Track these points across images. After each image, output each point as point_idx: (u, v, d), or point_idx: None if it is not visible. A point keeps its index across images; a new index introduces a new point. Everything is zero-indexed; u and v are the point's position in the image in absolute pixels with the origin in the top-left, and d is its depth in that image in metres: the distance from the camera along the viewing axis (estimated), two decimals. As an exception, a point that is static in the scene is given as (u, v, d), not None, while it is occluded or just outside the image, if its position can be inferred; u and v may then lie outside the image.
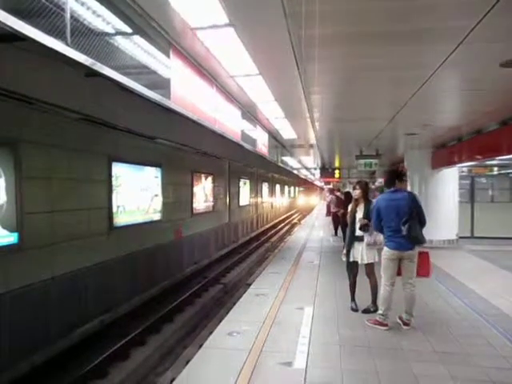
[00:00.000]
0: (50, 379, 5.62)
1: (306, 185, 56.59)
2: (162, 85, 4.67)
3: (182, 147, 11.35)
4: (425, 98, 6.27)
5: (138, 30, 3.93)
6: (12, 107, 5.83)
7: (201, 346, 4.76)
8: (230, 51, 4.41)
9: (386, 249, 5.06)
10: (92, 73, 4.61)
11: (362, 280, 5.75)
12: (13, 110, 5.89)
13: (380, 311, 5.10)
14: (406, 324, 5.08)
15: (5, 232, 5.77)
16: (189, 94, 4.78)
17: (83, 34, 3.47)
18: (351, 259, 5.69)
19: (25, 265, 6.13)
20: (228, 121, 6.64)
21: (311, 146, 12.87)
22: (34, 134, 6.35)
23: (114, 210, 8.55)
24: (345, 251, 5.77)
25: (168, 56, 4.12)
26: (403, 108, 6.96)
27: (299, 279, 7.82)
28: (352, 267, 5.75)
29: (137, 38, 4.06)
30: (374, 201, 5.57)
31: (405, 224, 4.85)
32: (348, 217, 5.86)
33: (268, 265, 9.36)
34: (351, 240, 5.66)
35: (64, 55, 3.20)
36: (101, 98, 6.79)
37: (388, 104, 7.01)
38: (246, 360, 4.12)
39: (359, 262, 5.63)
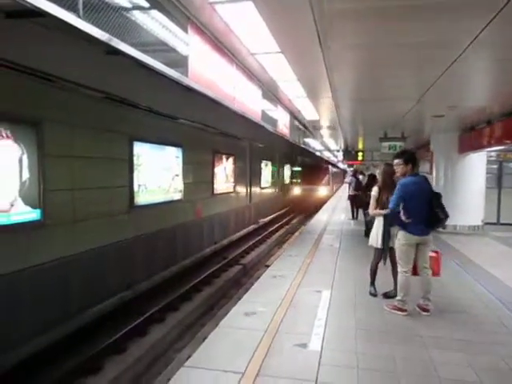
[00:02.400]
0: (65, 356, 5.76)
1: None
2: (181, 63, 4.60)
3: (203, 127, 11.32)
4: (454, 77, 6.00)
5: (155, 4, 3.85)
6: (35, 86, 5.87)
7: (217, 325, 4.79)
8: (249, 27, 4.28)
9: (405, 234, 4.88)
10: (112, 50, 4.58)
11: (381, 265, 5.64)
12: (36, 88, 5.93)
13: (399, 297, 5.01)
14: (425, 310, 4.98)
15: (28, 208, 5.88)
16: (208, 72, 4.70)
17: (99, 9, 3.42)
18: (390, 244, 5.37)
19: (47, 241, 6.25)
20: (248, 100, 6.53)
21: (334, 127, 12.63)
22: (56, 113, 6.40)
23: (135, 189, 8.61)
24: (376, 236, 5.55)
25: (186, 31, 4.04)
26: (431, 88, 6.70)
27: (318, 262, 7.77)
28: (386, 253, 5.45)
29: (154, 13, 3.97)
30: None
31: (434, 208, 4.78)
32: (375, 201, 5.55)
33: (287, 247, 9.33)
34: (388, 225, 5.36)
35: (80, 30, 3.15)
36: (121, 76, 6.79)
37: (415, 84, 6.76)
38: (261, 340, 4.12)
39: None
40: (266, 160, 20.04)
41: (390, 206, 4.91)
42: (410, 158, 5.03)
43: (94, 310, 6.88)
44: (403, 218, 4.86)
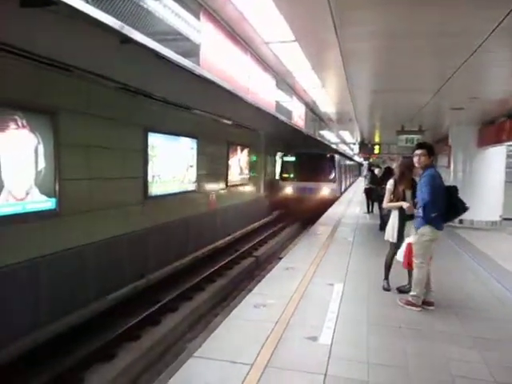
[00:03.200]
0: (78, 343, 5.83)
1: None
2: (193, 53, 4.55)
3: (218, 118, 11.29)
4: (474, 68, 5.83)
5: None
6: (51, 75, 5.90)
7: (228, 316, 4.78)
8: (263, 15, 4.21)
9: (430, 229, 4.68)
10: (127, 39, 4.55)
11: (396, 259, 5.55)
12: (51, 78, 5.96)
13: (414, 292, 4.86)
14: (431, 304, 4.88)
15: (43, 197, 5.95)
16: (220, 61, 4.64)
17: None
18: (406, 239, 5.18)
19: (62, 230, 6.32)
20: (262, 91, 6.45)
21: (350, 119, 12.47)
22: (71, 103, 6.43)
23: (150, 179, 8.64)
24: (392, 230, 5.43)
25: (198, 19, 3.98)
26: (450, 79, 6.52)
27: (331, 255, 7.70)
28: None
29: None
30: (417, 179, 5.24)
31: (454, 201, 4.70)
32: (390, 194, 5.41)
33: (301, 239, 9.27)
34: (405, 219, 5.26)
35: (91, 17, 3.13)
36: (137, 66, 6.77)
37: (433, 75, 6.59)
38: (272, 332, 4.09)
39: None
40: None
41: (427, 197, 4.56)
42: (433, 149, 4.92)
43: (108, 298, 6.95)
44: (429, 213, 4.62)
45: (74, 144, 6.51)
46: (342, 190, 23.27)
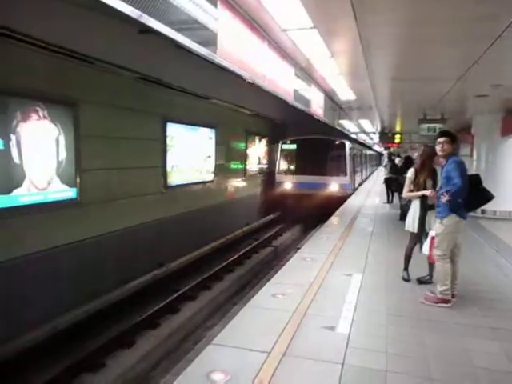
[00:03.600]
0: (99, 329, 5.96)
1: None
2: (211, 42, 4.51)
3: (236, 108, 11.26)
4: (499, 53, 5.62)
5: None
6: (71, 67, 5.97)
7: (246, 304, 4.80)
8: (282, 1, 4.14)
9: (456, 218, 4.53)
10: (145, 29, 4.56)
11: (416, 250, 5.47)
12: (71, 69, 6.03)
13: (444, 287, 4.61)
14: (453, 296, 4.76)
15: (64, 187, 6.06)
16: (238, 49, 4.60)
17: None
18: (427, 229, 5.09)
19: (82, 219, 6.43)
20: (280, 79, 6.39)
21: (370, 108, 12.27)
22: (91, 94, 6.50)
23: (169, 169, 8.71)
24: (412, 220, 5.37)
25: (215, 6, 3.95)
26: (473, 65, 6.33)
27: (350, 246, 7.64)
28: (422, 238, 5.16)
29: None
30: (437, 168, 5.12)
31: (478, 190, 4.59)
32: (410, 183, 5.32)
33: (319, 229, 9.22)
34: (426, 209, 5.17)
35: (110, 7, 3.12)
36: (155, 56, 6.79)
37: (456, 61, 6.39)
38: (289, 321, 4.09)
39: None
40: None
41: (461, 183, 4.36)
42: (456, 137, 4.78)
43: (127, 286, 7.07)
44: (457, 199, 4.44)
45: (93, 134, 6.59)
46: (357, 184, 19.13)
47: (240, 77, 5.15)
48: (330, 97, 10.68)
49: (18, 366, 4.78)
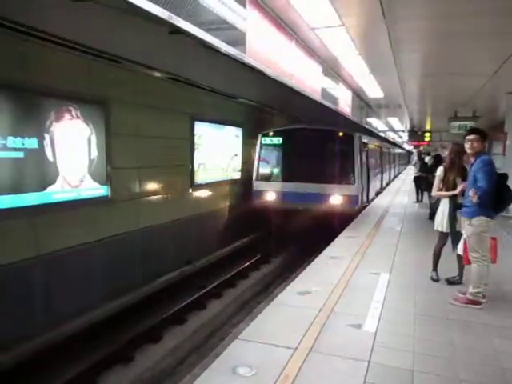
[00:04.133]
0: (128, 324, 6.10)
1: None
2: (239, 41, 4.57)
3: (262, 107, 11.28)
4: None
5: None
6: (102, 67, 6.12)
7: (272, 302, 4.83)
8: (310, 0, 4.16)
9: (487, 219, 4.42)
10: (175, 30, 4.65)
11: (445, 249, 5.37)
12: (102, 69, 6.19)
13: (477, 289, 4.51)
14: (483, 297, 4.64)
15: (96, 184, 6.24)
16: (266, 49, 4.64)
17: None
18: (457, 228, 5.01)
19: (113, 216, 6.59)
20: (308, 77, 6.39)
21: (399, 105, 12.09)
22: (122, 93, 6.65)
23: (196, 167, 8.83)
24: (441, 219, 5.27)
25: (244, 6, 4.00)
26: (507, 61, 6.16)
27: (378, 244, 7.56)
28: (455, 238, 5.06)
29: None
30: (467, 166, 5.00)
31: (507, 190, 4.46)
32: (440, 182, 5.22)
33: (347, 228, 9.15)
34: (456, 208, 5.04)
35: (141, 8, 3.22)
36: (184, 56, 6.89)
37: (489, 56, 6.25)
38: (315, 319, 4.10)
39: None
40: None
41: (487, 186, 4.24)
42: (486, 134, 4.64)
43: (156, 282, 7.21)
44: (486, 201, 4.31)
45: (123, 133, 6.75)
46: (373, 194, 14.23)
47: (268, 76, 5.18)
48: (358, 94, 10.59)
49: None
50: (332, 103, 8.73)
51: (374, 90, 9.61)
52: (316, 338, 3.67)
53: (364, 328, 3.92)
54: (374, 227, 9.28)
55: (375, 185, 15.08)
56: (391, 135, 28.01)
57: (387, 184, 20.39)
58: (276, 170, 11.28)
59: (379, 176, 16.74)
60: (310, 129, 10.74)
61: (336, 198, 10.28)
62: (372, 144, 14.39)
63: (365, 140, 12.11)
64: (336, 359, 3.33)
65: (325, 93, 7.88)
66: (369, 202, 12.78)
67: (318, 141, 10.57)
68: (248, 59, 4.43)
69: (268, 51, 4.68)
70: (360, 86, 9.24)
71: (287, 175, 10.83)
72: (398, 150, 33.89)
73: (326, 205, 10.15)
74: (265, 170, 11.15)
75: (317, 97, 7.29)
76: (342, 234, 8.63)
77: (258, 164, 11.09)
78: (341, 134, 10.44)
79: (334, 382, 3.04)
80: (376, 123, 18.39)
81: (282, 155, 11.16)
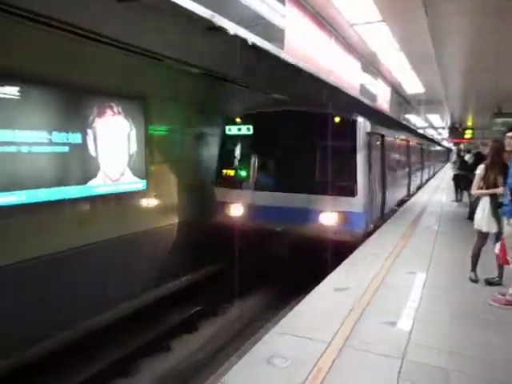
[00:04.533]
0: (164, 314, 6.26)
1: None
2: (277, 38, 4.60)
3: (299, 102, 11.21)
4: None
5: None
6: (141, 64, 6.28)
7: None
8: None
9: None
10: (213, 27, 4.74)
11: (485, 249, 5.25)
12: (141, 66, 6.34)
13: None
14: None
15: (135, 179, 6.46)
16: (305, 46, 4.66)
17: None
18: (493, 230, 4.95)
19: (150, 210, 6.78)
20: (346, 74, 6.36)
21: (440, 101, 11.78)
22: (160, 90, 6.81)
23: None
24: (480, 219, 5.15)
25: (283, 4, 4.04)
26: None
27: (414, 243, 7.44)
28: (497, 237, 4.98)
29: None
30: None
31: None
32: (480, 180, 5.09)
33: (383, 226, 9.02)
34: (497, 207, 4.91)
35: (183, 8, 3.32)
36: (219, 52, 6.98)
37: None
38: (350, 314, 4.13)
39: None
40: None
41: None
42: None
43: (191, 276, 7.36)
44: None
45: (161, 129, 6.92)
46: (391, 206, 10.44)
47: (306, 72, 5.20)
48: (397, 91, 10.40)
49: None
50: (371, 100, 8.61)
51: (413, 86, 9.42)
52: (349, 334, 3.70)
53: (399, 326, 3.91)
54: (411, 225, 9.12)
55: (396, 194, 11.20)
56: (430, 132, 27.27)
57: (418, 188, 16.76)
58: (244, 173, 7.95)
59: (404, 181, 12.97)
60: (294, 112, 7.46)
61: (329, 217, 7.06)
62: (394, 138, 10.75)
63: (379, 130, 8.62)
64: (369, 355, 3.35)
65: (363, 89, 7.78)
66: (384, 219, 9.17)
67: (306, 129, 7.28)
68: (284, 55, 4.47)
69: (307, 48, 4.70)
70: (399, 82, 9.08)
71: (259, 181, 7.66)
72: (436, 148, 30.68)
73: (315, 227, 7.04)
74: (229, 171, 7.99)
75: (355, 93, 7.22)
76: (378, 233, 8.51)
77: (220, 163, 7.98)
78: (337, 119, 6.98)
79: (367, 377, 3.07)
80: (415, 120, 17.99)
81: (253, 151, 7.84)
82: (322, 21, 4.94)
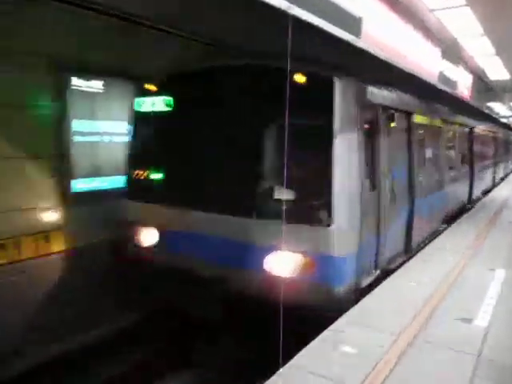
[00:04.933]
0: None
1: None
2: (355, 27, 4.52)
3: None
4: None
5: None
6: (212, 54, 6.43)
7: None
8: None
9: None
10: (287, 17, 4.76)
11: None
12: (212, 55, 6.47)
13: None
14: None
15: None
16: (383, 33, 4.56)
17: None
18: None
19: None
20: (425, 60, 6.11)
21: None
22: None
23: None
24: None
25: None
26: None
27: (494, 239, 7.05)
28: None
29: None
30: None
31: None
32: None
33: (459, 222, 8.59)
34: None
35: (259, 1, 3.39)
36: (294, 41, 6.97)
37: None
38: (423, 308, 4.06)
39: None
40: None
41: None
42: None
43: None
44: None
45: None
46: (424, 235, 6.61)
47: (384, 61, 5.06)
48: (479, 77, 9.79)
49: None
50: (451, 87, 8.16)
51: (498, 72, 8.81)
52: (421, 327, 3.65)
53: (474, 322, 3.79)
54: (491, 221, 8.62)
55: (426, 217, 6.66)
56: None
57: (485, 193, 12.83)
58: (158, 178, 5.02)
59: (450, 188, 8.22)
60: (234, 70, 4.54)
61: (282, 261, 3.96)
62: (432, 119, 6.74)
63: (391, 101, 5.05)
64: (441, 350, 3.29)
65: (442, 76, 7.43)
66: (394, 263, 5.36)
67: (250, 102, 4.26)
68: (362, 44, 4.39)
69: (385, 35, 4.59)
70: (482, 68, 8.52)
71: (182, 193, 4.63)
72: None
73: (260, 276, 4.05)
74: (141, 174, 5.12)
75: (433, 80, 6.91)
76: (454, 227, 8.12)
77: (131, 160, 5.30)
78: (299, 78, 3.84)
79: (437, 372, 3.01)
80: (498, 108, 16.76)
81: (169, 142, 4.96)
82: (401, 7, 4.79)
